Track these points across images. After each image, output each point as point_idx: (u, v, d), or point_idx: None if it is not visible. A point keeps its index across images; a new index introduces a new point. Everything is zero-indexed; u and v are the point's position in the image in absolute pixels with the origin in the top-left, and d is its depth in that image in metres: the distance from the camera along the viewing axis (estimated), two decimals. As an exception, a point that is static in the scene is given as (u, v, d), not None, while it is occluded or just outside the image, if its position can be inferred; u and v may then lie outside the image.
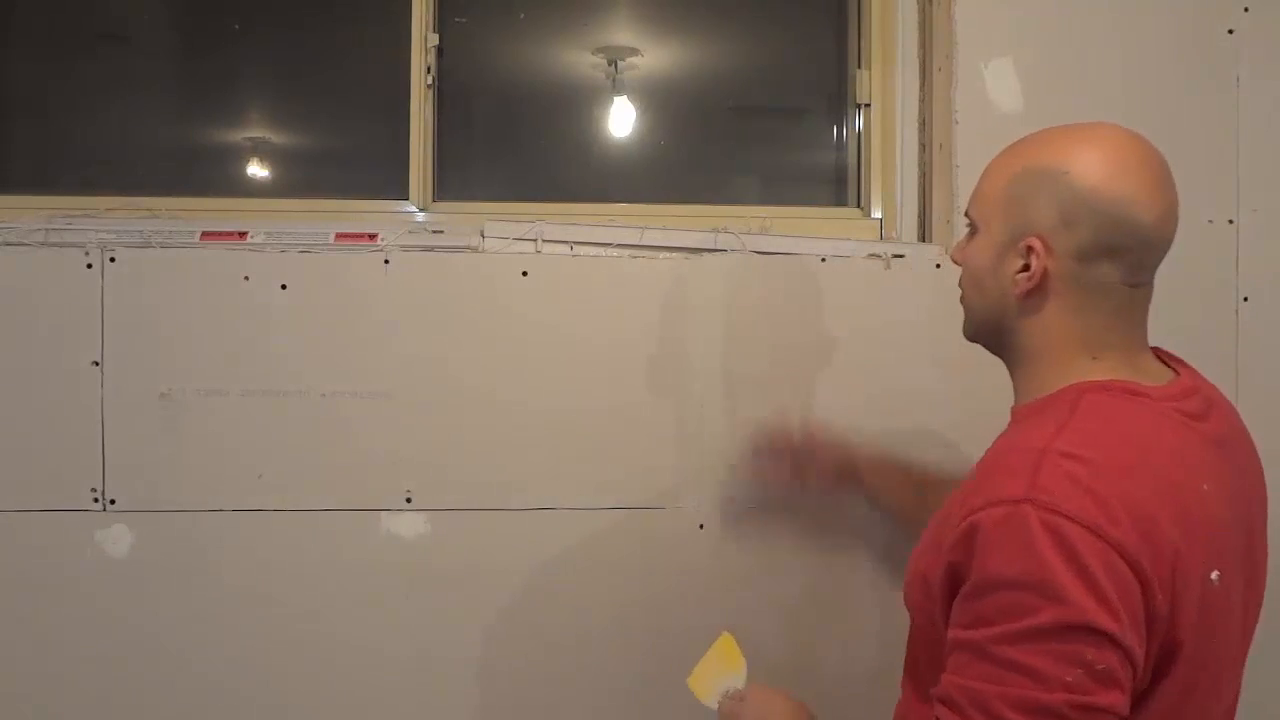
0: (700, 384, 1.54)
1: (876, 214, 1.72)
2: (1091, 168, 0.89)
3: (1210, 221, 1.59)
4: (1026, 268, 0.91)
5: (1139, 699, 0.82)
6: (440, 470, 1.51)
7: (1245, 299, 1.59)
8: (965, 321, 1.03)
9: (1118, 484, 0.81)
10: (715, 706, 1.24)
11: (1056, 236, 0.90)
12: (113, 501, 1.48)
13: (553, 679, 1.53)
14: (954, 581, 0.85)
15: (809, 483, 1.48)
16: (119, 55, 1.77)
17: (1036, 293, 0.92)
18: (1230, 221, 1.59)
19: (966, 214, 1.01)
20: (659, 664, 1.53)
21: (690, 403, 1.54)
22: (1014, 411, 0.99)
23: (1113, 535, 0.78)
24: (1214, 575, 0.82)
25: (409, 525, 1.51)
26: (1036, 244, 0.90)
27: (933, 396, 1.55)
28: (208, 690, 1.49)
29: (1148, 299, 0.95)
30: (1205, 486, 0.85)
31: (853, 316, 1.56)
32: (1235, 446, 0.95)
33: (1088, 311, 0.91)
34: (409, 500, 1.50)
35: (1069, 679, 0.76)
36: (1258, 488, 0.97)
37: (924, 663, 0.96)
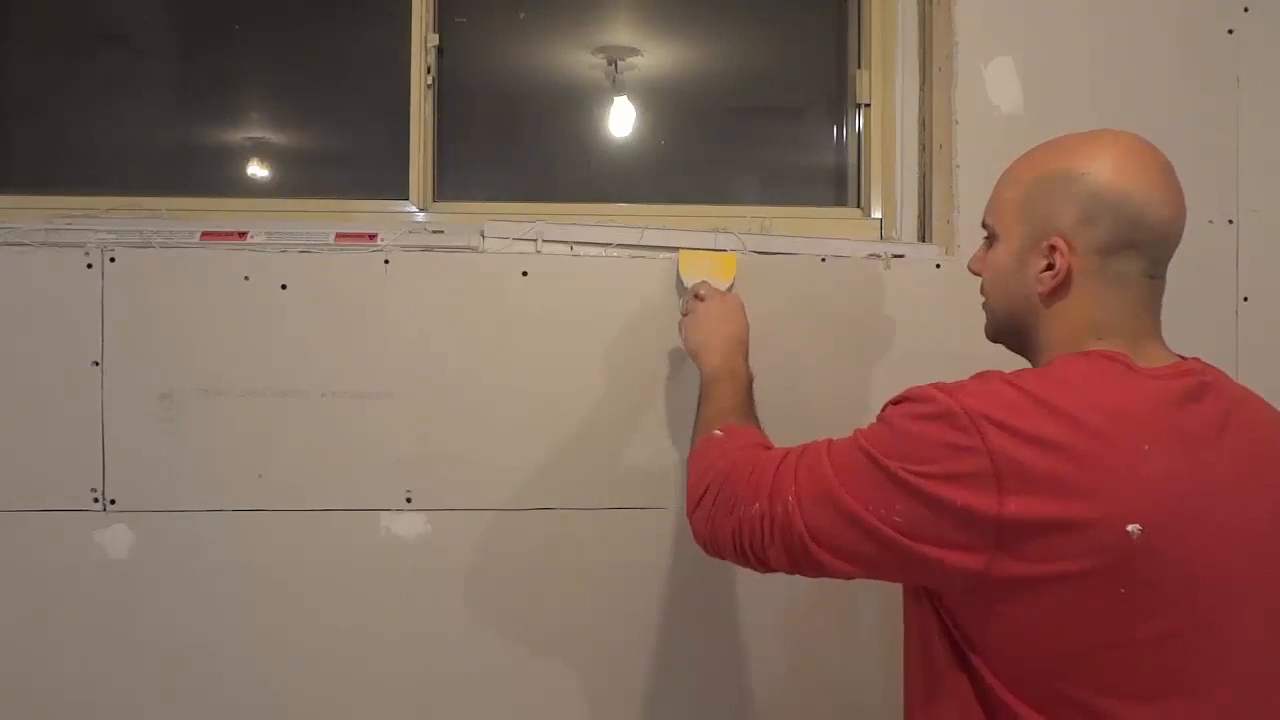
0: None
1: (876, 214, 1.72)
2: (1107, 168, 0.95)
3: (1210, 221, 1.59)
4: (1050, 266, 0.96)
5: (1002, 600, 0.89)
6: (440, 470, 1.51)
7: (1245, 299, 1.59)
8: (989, 324, 1.08)
9: (1033, 410, 0.88)
10: (688, 284, 1.44)
11: (1078, 234, 0.95)
12: (113, 501, 1.48)
13: (553, 679, 1.53)
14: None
15: None
16: (119, 55, 1.77)
17: (1061, 289, 0.97)
18: (1230, 221, 1.59)
19: (984, 224, 1.06)
20: (659, 664, 1.53)
21: (690, 402, 1.53)
22: None
23: (993, 437, 0.86)
24: (1131, 528, 0.85)
25: (409, 525, 1.51)
26: (1060, 243, 0.95)
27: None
28: (208, 690, 1.49)
29: (1162, 292, 1.00)
30: (1146, 446, 0.88)
31: (853, 316, 1.56)
32: (1241, 436, 0.94)
33: (1108, 303, 0.96)
34: (409, 500, 1.50)
35: (876, 502, 0.90)
36: None
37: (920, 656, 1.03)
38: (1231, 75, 1.59)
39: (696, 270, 1.47)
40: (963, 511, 0.86)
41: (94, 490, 1.47)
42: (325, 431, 1.49)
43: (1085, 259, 0.95)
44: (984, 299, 1.07)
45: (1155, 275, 0.98)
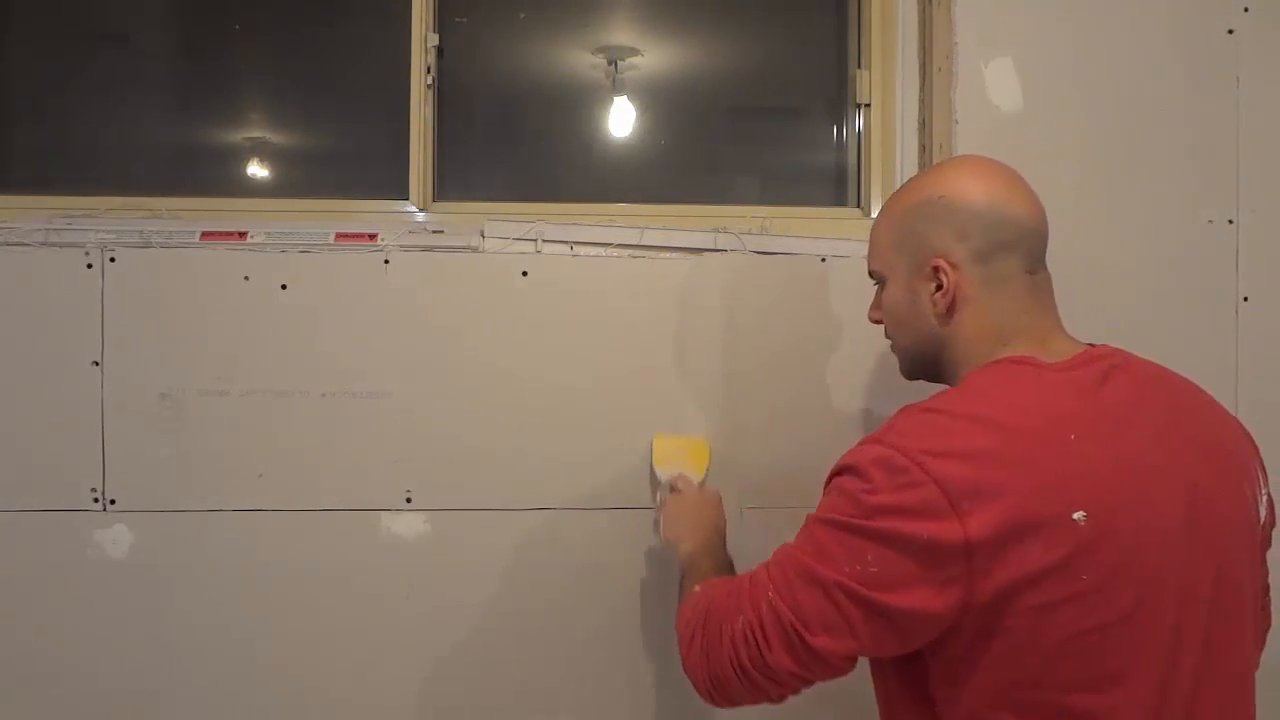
0: (700, 384, 1.54)
1: (876, 214, 1.72)
2: (961, 186, 1.04)
3: (1210, 221, 1.59)
4: (940, 286, 1.03)
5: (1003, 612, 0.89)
6: (440, 470, 1.51)
7: (1245, 299, 1.59)
8: (902, 364, 1.14)
9: (958, 428, 0.93)
10: (661, 477, 1.44)
11: (954, 250, 1.02)
12: (113, 501, 1.48)
13: (552, 679, 1.53)
14: None
15: None
16: (119, 55, 1.76)
17: (954, 306, 1.03)
18: (1230, 221, 1.59)
19: (870, 274, 1.14)
20: (658, 664, 1.54)
21: (690, 402, 1.54)
22: None
23: (934, 466, 0.89)
24: (1077, 515, 0.89)
25: (409, 525, 1.51)
26: (941, 262, 1.02)
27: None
28: (208, 689, 1.49)
29: (1049, 285, 1.05)
30: (1072, 436, 0.92)
31: (853, 316, 1.56)
32: (1155, 413, 0.98)
33: (998, 304, 1.02)
34: (409, 500, 1.50)
35: (845, 566, 0.91)
36: (1231, 457, 1.01)
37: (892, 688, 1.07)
38: (1231, 75, 1.59)
39: (671, 460, 1.47)
40: (930, 544, 0.88)
41: (94, 490, 1.47)
42: (325, 431, 1.49)
43: (967, 270, 1.02)
44: (890, 343, 1.14)
45: (1035, 270, 1.03)
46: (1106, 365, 0.99)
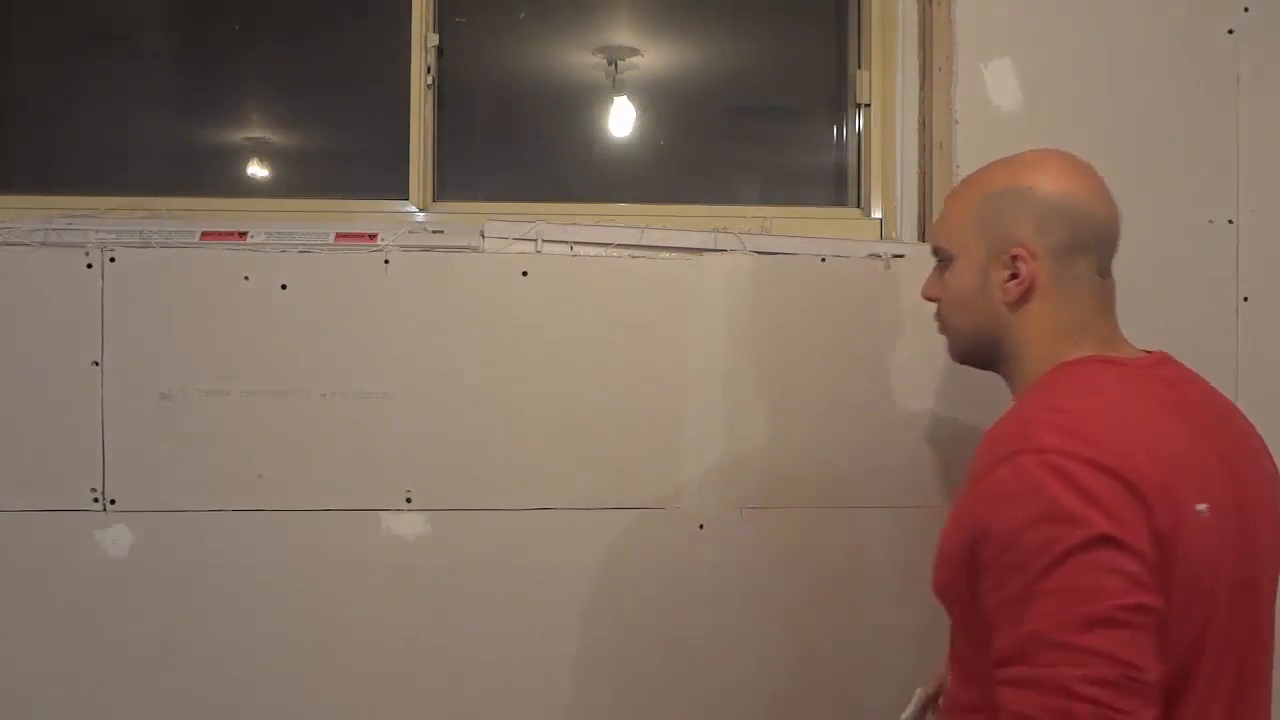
0: (700, 384, 1.54)
1: (876, 214, 1.72)
2: (1052, 181, 1.03)
3: (1210, 221, 1.59)
4: (1014, 275, 1.03)
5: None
6: (440, 470, 1.51)
7: (1245, 299, 1.59)
8: (954, 346, 1.13)
9: (1098, 425, 0.91)
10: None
11: (1036, 242, 1.02)
12: (113, 501, 1.48)
13: (552, 678, 1.53)
14: (975, 553, 0.92)
15: None
16: (119, 55, 1.76)
17: (1026, 296, 1.03)
18: (1230, 221, 1.59)
19: (936, 249, 1.11)
20: (659, 664, 1.54)
21: (690, 403, 1.54)
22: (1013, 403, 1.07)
23: (1105, 461, 0.87)
24: (1201, 507, 0.90)
25: (409, 525, 1.51)
26: (1022, 251, 1.02)
27: (933, 396, 1.55)
28: (208, 689, 1.49)
29: (1114, 291, 1.06)
30: (1179, 430, 0.94)
31: (853, 316, 1.56)
32: (1216, 414, 1.01)
33: (1068, 304, 1.03)
34: (409, 500, 1.50)
35: (1109, 585, 0.84)
36: (1261, 464, 1.03)
37: (966, 650, 1.02)
38: (1231, 75, 1.59)
39: None
40: (1136, 538, 0.86)
41: (94, 490, 1.47)
42: (325, 431, 1.49)
43: (1045, 264, 1.02)
44: (941, 323, 1.13)
45: (1105, 274, 1.05)
46: (1177, 372, 1.03)
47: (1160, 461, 0.90)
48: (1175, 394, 0.99)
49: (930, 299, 1.14)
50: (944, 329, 1.13)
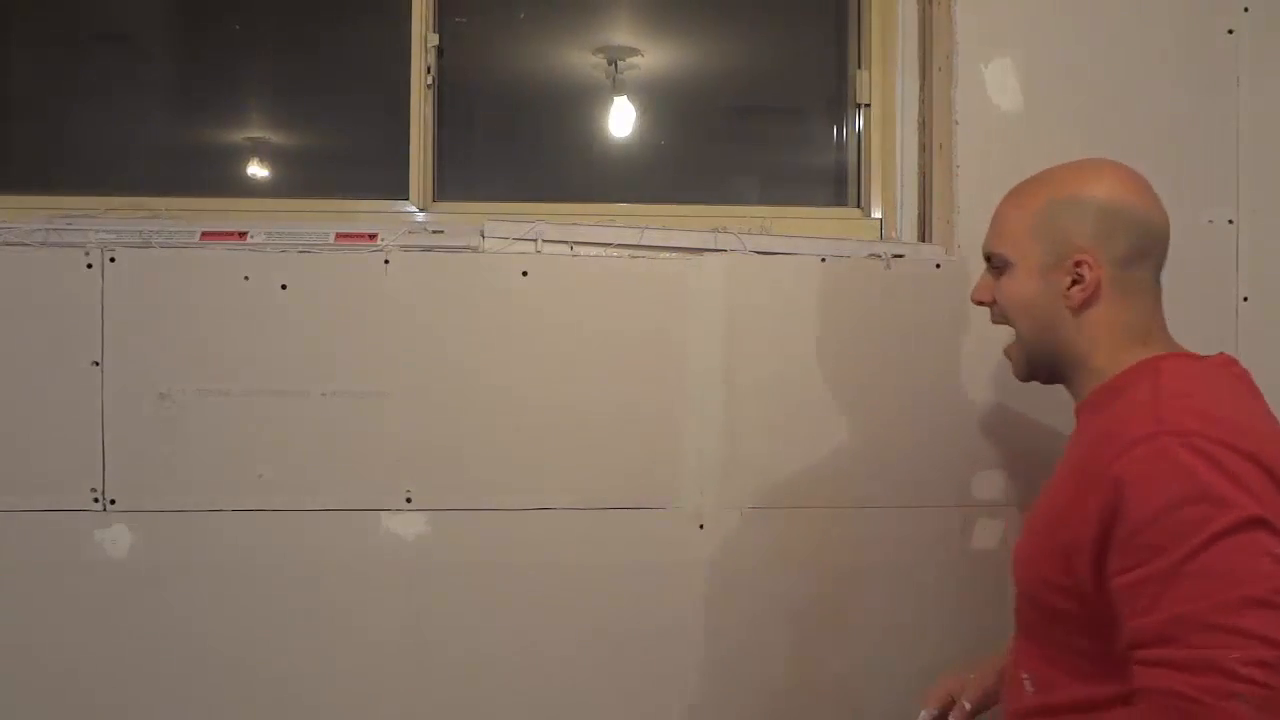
0: (700, 384, 1.54)
1: (876, 214, 1.72)
2: (1113, 190, 1.06)
3: (1210, 221, 1.59)
4: (1077, 280, 1.05)
5: None
6: (440, 470, 1.51)
7: (1245, 299, 1.59)
8: (1022, 362, 1.13)
9: (1227, 410, 0.95)
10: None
11: (1098, 250, 1.04)
12: (113, 501, 1.48)
13: (552, 678, 1.53)
14: (1106, 536, 0.93)
15: None
16: (119, 55, 1.77)
17: (1089, 301, 1.05)
18: (1230, 221, 1.59)
19: (991, 253, 1.12)
20: (659, 663, 1.53)
21: (690, 403, 1.54)
22: (1083, 406, 1.09)
23: (1243, 446, 0.89)
24: None
25: (409, 525, 1.51)
26: (1087, 258, 1.04)
27: (933, 396, 1.55)
28: (208, 689, 1.49)
29: (1161, 294, 1.09)
30: (1276, 421, 0.99)
31: (853, 316, 1.56)
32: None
33: (1131, 308, 1.06)
34: (409, 500, 1.50)
35: (1264, 568, 0.84)
36: None
37: (1037, 622, 1.06)
38: (1231, 75, 1.59)
39: None
40: (1277, 513, 0.88)
41: (94, 490, 1.47)
42: (325, 431, 1.49)
43: (1108, 270, 1.04)
44: (1007, 343, 1.13)
45: (1158, 280, 1.08)
46: (1242, 368, 1.07)
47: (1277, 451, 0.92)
48: (1255, 389, 1.04)
49: (981, 303, 1.15)
50: (1014, 345, 1.13)
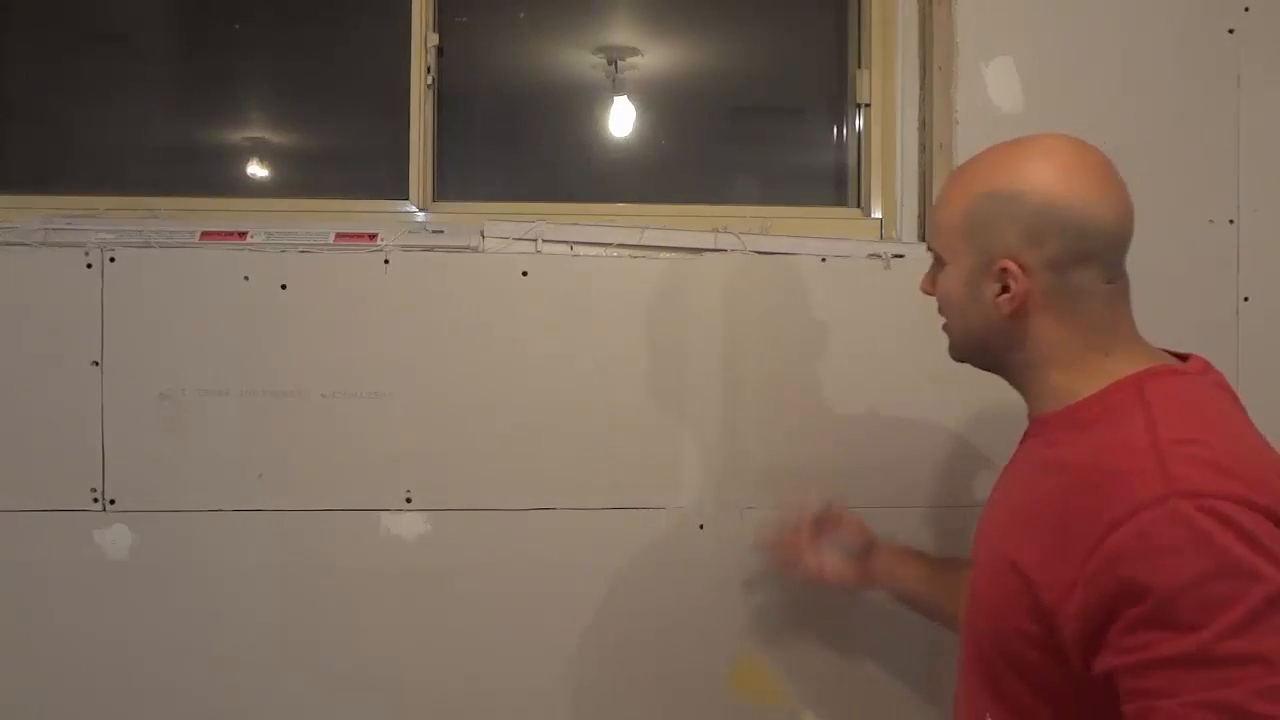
0: (700, 384, 1.54)
1: (876, 214, 1.72)
2: (1045, 182, 0.92)
3: (1210, 221, 1.59)
4: (1005, 289, 0.94)
5: None
6: (440, 470, 1.51)
7: (1245, 299, 1.59)
8: (952, 347, 1.06)
9: (1234, 456, 0.84)
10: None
11: (1027, 254, 0.93)
12: (113, 501, 1.48)
13: (552, 679, 1.53)
14: (1112, 608, 0.82)
15: (825, 575, 1.35)
16: (118, 55, 1.76)
17: (1022, 309, 0.95)
18: (1230, 221, 1.59)
19: (929, 246, 1.04)
20: (659, 664, 1.54)
21: (690, 402, 1.54)
22: (1049, 419, 0.99)
23: (1261, 503, 0.80)
24: None
25: (409, 525, 1.51)
26: (1011, 265, 0.93)
27: (933, 396, 1.55)
28: (208, 690, 1.49)
29: (1128, 291, 0.98)
30: (1262, 440, 0.90)
31: (853, 316, 1.56)
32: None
33: (1076, 315, 0.94)
34: (409, 500, 1.50)
35: None
36: None
37: (1000, 672, 0.95)
38: (1231, 75, 1.59)
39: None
40: None
41: (94, 490, 1.47)
42: (325, 431, 1.49)
43: (1040, 277, 0.93)
44: (943, 320, 1.05)
45: (1114, 280, 0.95)
46: (1218, 373, 0.98)
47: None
48: (1235, 397, 0.96)
49: (926, 293, 1.07)
50: (944, 326, 1.06)
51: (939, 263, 1.03)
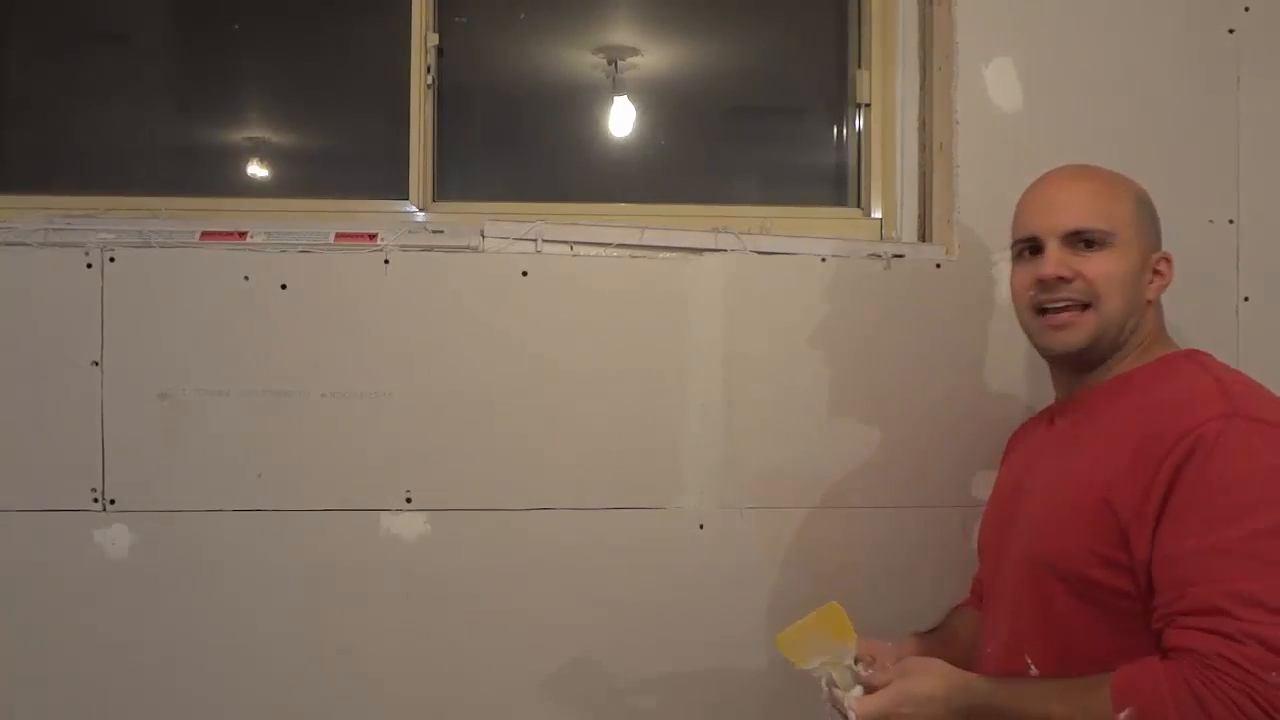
0: (700, 383, 1.54)
1: (876, 214, 1.72)
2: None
3: (1210, 221, 1.59)
4: (1158, 274, 1.15)
5: None
6: (440, 470, 1.51)
7: (1245, 299, 1.59)
8: (1098, 329, 1.12)
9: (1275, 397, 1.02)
10: (818, 674, 1.15)
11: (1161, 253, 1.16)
12: (113, 501, 1.48)
13: (552, 679, 1.53)
14: (1166, 500, 0.96)
15: None
16: (119, 55, 1.76)
17: (1154, 299, 1.14)
18: (1230, 221, 1.59)
19: (1094, 230, 1.12)
20: (659, 663, 1.54)
21: (690, 403, 1.54)
22: (1114, 382, 1.13)
23: None
24: None
25: (409, 525, 1.50)
26: (1169, 257, 1.15)
27: (932, 395, 1.55)
28: (207, 690, 1.49)
29: None
30: None
31: (853, 316, 1.56)
32: None
33: (1160, 308, 1.16)
34: (409, 500, 1.50)
35: None
36: None
37: (1055, 598, 1.07)
38: (1231, 75, 1.59)
39: (807, 650, 1.15)
40: None
41: (94, 490, 1.47)
42: (325, 431, 1.49)
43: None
44: (1088, 302, 1.12)
45: None
46: None
47: None
48: None
49: (1061, 278, 1.11)
50: (1095, 306, 1.11)
51: (1097, 245, 1.12)
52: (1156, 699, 0.91)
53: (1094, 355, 1.14)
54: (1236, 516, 0.92)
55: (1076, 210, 1.13)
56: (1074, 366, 1.16)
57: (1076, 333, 1.12)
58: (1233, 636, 0.89)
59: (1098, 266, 1.11)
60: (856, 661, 1.15)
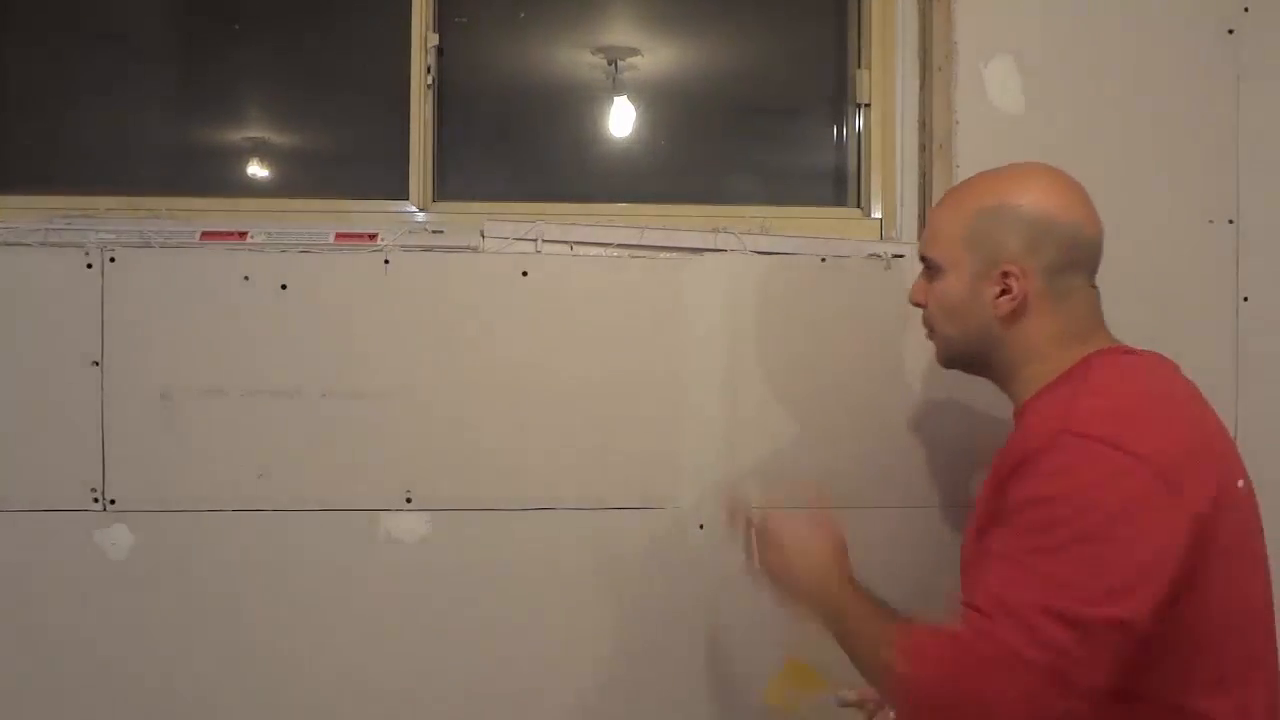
0: (700, 383, 1.54)
1: (876, 214, 1.72)
2: (1042, 198, 1.08)
3: (1210, 221, 1.59)
4: (1005, 291, 1.07)
5: (1187, 589, 0.93)
6: (440, 470, 1.51)
7: (1245, 299, 1.59)
8: (942, 352, 1.17)
9: (1141, 409, 0.99)
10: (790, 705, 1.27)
11: (1027, 260, 1.06)
12: (113, 501, 1.48)
13: (552, 679, 1.53)
14: (996, 514, 1.00)
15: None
16: (118, 55, 1.76)
17: (1018, 312, 1.07)
18: (1230, 221, 1.59)
19: (924, 257, 1.15)
20: (659, 663, 1.54)
21: (690, 402, 1.54)
22: (1024, 406, 1.11)
23: (1139, 450, 0.92)
24: (1240, 483, 1.01)
25: (409, 525, 1.51)
26: (1014, 269, 1.06)
27: (932, 396, 1.55)
28: (207, 690, 1.49)
29: (1099, 298, 1.13)
30: (1208, 413, 1.04)
31: (853, 316, 1.56)
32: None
33: (1062, 315, 1.08)
34: (409, 500, 1.50)
35: (1085, 583, 0.89)
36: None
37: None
38: (1231, 75, 1.59)
39: (794, 696, 1.28)
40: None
41: (94, 490, 1.47)
42: (325, 431, 1.49)
43: (1036, 280, 1.06)
44: (929, 329, 1.17)
45: (1093, 284, 1.11)
46: (1173, 365, 1.11)
47: (1206, 443, 1.00)
48: (1190, 384, 1.09)
49: (916, 304, 1.17)
50: (932, 334, 1.17)
51: (934, 271, 1.13)
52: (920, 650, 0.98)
53: (978, 372, 1.15)
54: (1028, 532, 0.94)
55: (925, 236, 1.17)
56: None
57: (938, 355, 1.18)
58: (997, 638, 0.91)
59: (932, 294, 1.14)
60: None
